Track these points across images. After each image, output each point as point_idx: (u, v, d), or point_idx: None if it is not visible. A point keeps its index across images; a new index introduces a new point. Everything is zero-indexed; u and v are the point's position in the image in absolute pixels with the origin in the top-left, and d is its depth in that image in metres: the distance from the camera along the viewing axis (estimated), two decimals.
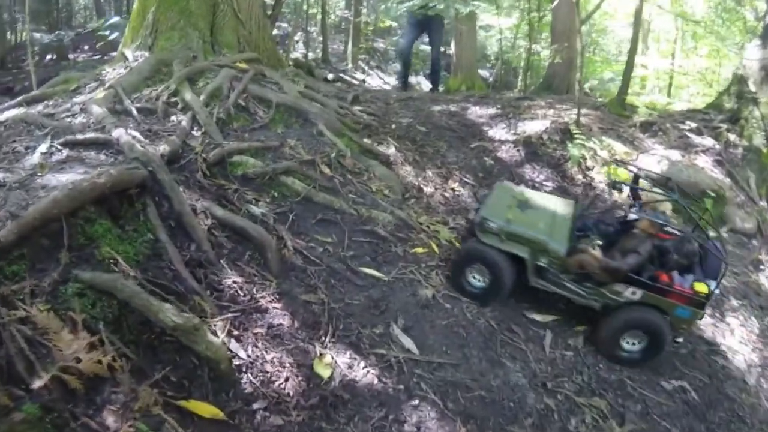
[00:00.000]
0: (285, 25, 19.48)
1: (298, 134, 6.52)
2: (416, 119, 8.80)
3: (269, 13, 9.80)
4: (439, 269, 5.54)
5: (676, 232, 5.20)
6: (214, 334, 3.96)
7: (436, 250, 5.84)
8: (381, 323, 4.67)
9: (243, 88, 6.68)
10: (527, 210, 5.42)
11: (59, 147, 5.06)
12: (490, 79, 16.35)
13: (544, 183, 7.91)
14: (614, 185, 5.66)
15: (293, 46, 17.51)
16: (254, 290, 4.48)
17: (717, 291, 5.09)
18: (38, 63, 13.27)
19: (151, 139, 5.43)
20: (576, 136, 8.28)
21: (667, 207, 6.74)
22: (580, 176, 8.21)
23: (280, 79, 7.47)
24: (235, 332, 4.10)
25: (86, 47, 17.54)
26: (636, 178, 5.85)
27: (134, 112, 5.99)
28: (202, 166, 5.39)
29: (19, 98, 7.14)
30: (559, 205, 5.66)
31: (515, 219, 5.18)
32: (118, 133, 5.05)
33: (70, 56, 15.47)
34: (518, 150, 8.38)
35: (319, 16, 18.12)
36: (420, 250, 5.74)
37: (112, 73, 7.15)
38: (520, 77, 16.29)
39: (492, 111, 9.45)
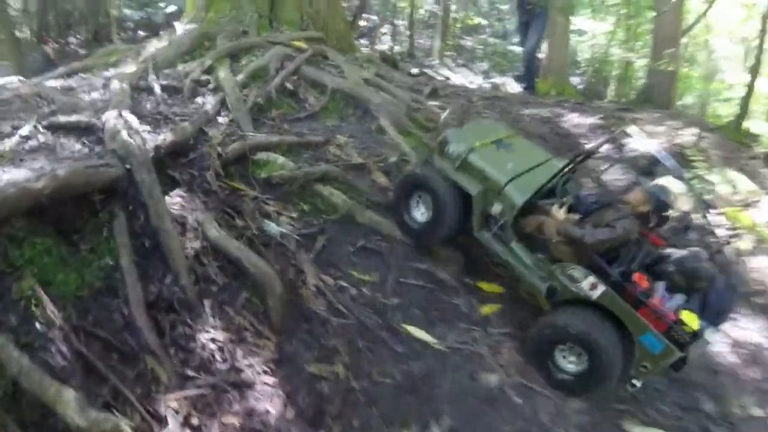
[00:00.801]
0: (374, 17, 18.66)
1: (353, 129, 5.13)
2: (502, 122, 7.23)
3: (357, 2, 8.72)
4: (514, 342, 3.88)
5: (689, 243, 3.98)
6: (161, 421, 2.65)
7: (516, 300, 4.18)
8: (417, 420, 3.10)
9: (294, 69, 5.40)
10: (502, 149, 4.25)
11: (42, 130, 3.95)
12: (580, 86, 15.06)
13: None
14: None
15: (379, 39, 16.78)
16: (240, 353, 3.10)
17: (710, 340, 3.54)
18: (130, 38, 12.83)
19: (157, 125, 4.21)
20: (695, 163, 6.63)
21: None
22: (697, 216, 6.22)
23: (343, 64, 6.14)
24: (194, 420, 2.74)
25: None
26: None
27: (157, 90, 4.89)
28: (215, 163, 4.09)
29: (62, 68, 6.41)
30: (546, 162, 4.35)
31: (481, 151, 4.07)
32: (107, 117, 3.84)
33: (161, 33, 14.97)
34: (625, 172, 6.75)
35: (407, 10, 17.34)
36: (491, 309, 4.07)
37: (154, 46, 6.17)
38: (610, 87, 15.27)
39: (591, 120, 7.87)
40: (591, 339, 3.45)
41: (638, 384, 3.52)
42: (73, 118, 3.95)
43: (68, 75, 5.98)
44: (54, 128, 3.93)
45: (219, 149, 4.19)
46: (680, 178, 3.93)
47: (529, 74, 10.32)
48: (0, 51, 12.06)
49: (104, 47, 8.63)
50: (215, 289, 3.33)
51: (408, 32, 16.65)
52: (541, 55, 12.33)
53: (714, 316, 3.49)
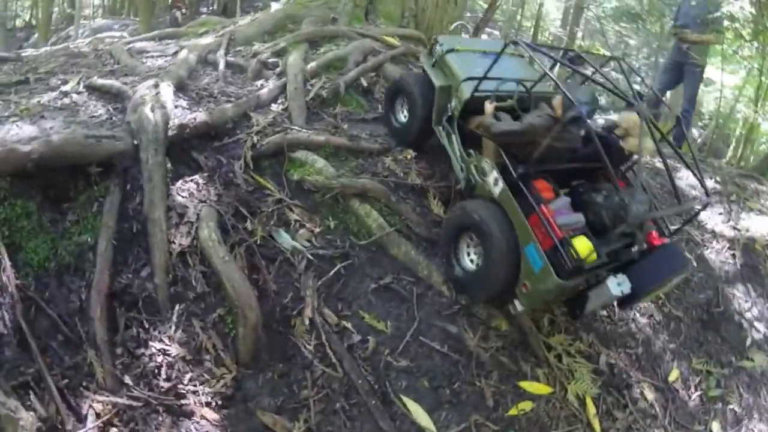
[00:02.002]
0: (496, 32, 19.16)
1: None
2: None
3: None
4: None
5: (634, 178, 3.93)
6: (79, 419, 2.69)
7: (560, 407, 3.66)
8: None
9: (375, 65, 5.28)
10: (486, 59, 4.33)
11: (81, 89, 4.23)
12: (699, 140, 15.07)
13: (755, 323, 5.50)
14: None
15: None
16: (189, 376, 2.99)
17: (614, 293, 3.45)
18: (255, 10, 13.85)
19: (198, 102, 4.30)
20: None
21: None
22: None
23: None
24: (113, 430, 2.71)
25: None
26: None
27: (221, 65, 5.05)
28: (247, 153, 4.08)
29: (155, 32, 6.95)
30: (526, 76, 4.54)
31: (461, 54, 4.57)
32: (141, 87, 4.00)
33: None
34: (733, 255, 6.12)
35: (531, 30, 18.39)
36: (523, 407, 3.56)
37: (240, 22, 6.40)
38: (732, 146, 14.70)
39: (710, 184, 7.31)
40: (488, 230, 3.64)
41: (519, 308, 3.65)
42: (108, 82, 4.16)
43: (160, 39, 6.45)
44: (91, 89, 4.20)
45: (256, 138, 4.17)
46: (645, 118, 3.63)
47: (680, 131, 9.69)
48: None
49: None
50: (190, 296, 3.25)
51: None
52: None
53: (639, 277, 3.49)
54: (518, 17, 18.65)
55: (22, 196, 3.14)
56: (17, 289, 2.91)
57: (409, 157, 4.58)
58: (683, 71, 8.75)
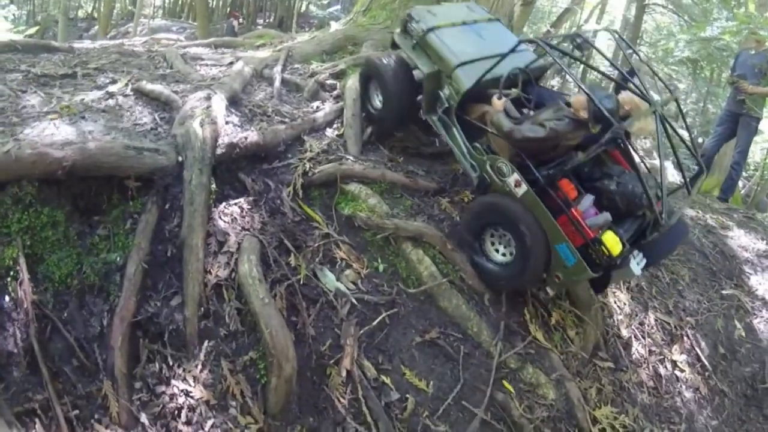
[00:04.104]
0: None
1: None
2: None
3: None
4: None
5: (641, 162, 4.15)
6: None
7: None
8: None
9: None
10: (470, 33, 4.40)
11: (129, 92, 3.95)
12: (742, 191, 14.15)
13: None
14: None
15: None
16: (211, 423, 2.64)
17: (636, 272, 3.63)
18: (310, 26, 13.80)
19: (250, 120, 3.99)
20: None
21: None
22: None
23: None
24: None
25: None
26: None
27: (277, 82, 4.76)
28: (297, 181, 3.75)
29: (211, 39, 6.76)
30: (515, 53, 4.16)
31: (443, 31, 4.24)
32: (192, 98, 3.70)
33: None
34: None
35: (581, 67, 17.57)
36: None
37: (299, 39, 6.16)
38: None
39: (760, 246, 6.85)
40: (522, 228, 3.60)
41: (551, 292, 3.87)
42: (157, 88, 3.86)
43: (216, 47, 6.22)
44: (138, 93, 3.91)
45: (308, 165, 3.85)
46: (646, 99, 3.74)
47: (730, 182, 9.35)
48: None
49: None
50: (222, 334, 2.91)
51: (577, 90, 17.14)
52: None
53: (651, 250, 3.70)
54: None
55: (49, 203, 2.85)
56: (33, 305, 2.63)
57: (466, 199, 4.21)
58: (738, 122, 8.48)
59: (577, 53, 4.10)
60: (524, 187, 3.60)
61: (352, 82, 4.69)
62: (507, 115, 3.89)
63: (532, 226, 3.57)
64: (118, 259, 2.90)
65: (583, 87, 3.54)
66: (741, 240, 6.85)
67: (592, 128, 3.73)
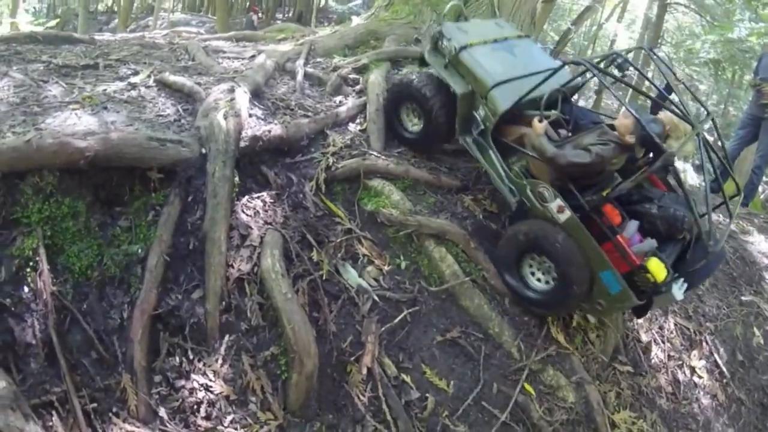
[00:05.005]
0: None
1: None
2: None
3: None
4: None
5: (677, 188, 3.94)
6: None
7: None
8: None
9: None
10: (502, 51, 4.24)
11: (152, 83, 3.91)
12: (762, 196, 13.83)
13: None
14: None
15: None
16: (231, 418, 2.61)
17: (677, 297, 3.55)
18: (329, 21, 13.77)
19: (273, 113, 3.94)
20: None
21: None
22: None
23: None
24: None
25: None
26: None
27: (300, 76, 4.70)
28: (320, 175, 3.70)
29: (232, 33, 6.73)
30: (546, 68, 4.06)
31: (476, 49, 4.06)
32: (215, 90, 3.66)
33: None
34: None
35: (601, 64, 17.88)
36: None
37: (320, 33, 6.13)
38: None
39: None
40: (565, 256, 3.50)
41: (592, 319, 3.86)
42: (180, 79, 3.81)
43: (237, 40, 6.18)
44: (161, 85, 3.87)
45: (331, 160, 3.80)
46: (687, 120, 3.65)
47: (751, 187, 9.20)
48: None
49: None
50: (243, 328, 2.86)
51: (596, 89, 16.14)
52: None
53: (693, 275, 3.60)
54: (589, 52, 18.34)
55: (70, 194, 2.81)
56: (53, 296, 2.59)
57: (490, 197, 4.14)
58: (760, 126, 8.31)
59: (617, 73, 3.96)
60: (568, 213, 3.50)
61: (375, 77, 4.63)
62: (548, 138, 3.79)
63: (574, 253, 3.49)
64: (139, 251, 2.87)
65: (631, 111, 3.45)
66: (761, 246, 6.76)
67: (637, 153, 3.67)
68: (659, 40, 15.45)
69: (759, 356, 5.15)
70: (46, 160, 2.66)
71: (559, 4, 18.33)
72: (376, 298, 3.30)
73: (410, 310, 3.36)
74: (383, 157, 3.98)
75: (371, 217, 3.71)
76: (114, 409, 2.53)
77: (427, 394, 3.11)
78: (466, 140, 4.03)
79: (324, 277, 3.22)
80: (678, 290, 3.49)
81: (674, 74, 4.10)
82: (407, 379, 3.11)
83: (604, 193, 3.54)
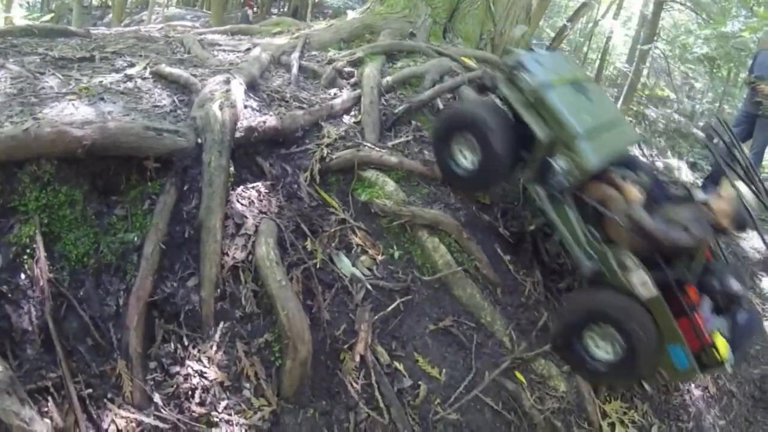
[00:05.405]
0: None
1: None
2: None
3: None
4: None
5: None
6: None
7: None
8: None
9: (453, 87, 4.90)
10: (580, 94, 3.84)
11: (147, 75, 3.94)
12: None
13: None
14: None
15: None
16: (225, 404, 2.64)
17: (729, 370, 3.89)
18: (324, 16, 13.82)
19: (269, 105, 3.98)
20: None
21: None
22: None
23: None
24: None
25: None
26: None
27: (295, 68, 4.73)
28: (314, 166, 3.74)
29: (227, 27, 6.73)
30: (618, 119, 4.11)
31: (559, 90, 3.67)
32: (211, 81, 3.70)
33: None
34: None
35: (597, 63, 18.49)
36: None
37: (315, 27, 6.16)
38: None
39: None
40: (634, 324, 3.33)
41: (648, 388, 3.80)
42: (176, 71, 3.84)
43: (232, 33, 6.21)
44: (157, 77, 3.90)
45: (326, 151, 3.84)
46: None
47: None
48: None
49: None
50: (237, 316, 2.89)
51: None
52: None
53: (738, 345, 3.55)
54: (585, 49, 18.46)
55: (67, 182, 2.83)
56: (49, 283, 2.61)
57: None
58: (755, 124, 8.35)
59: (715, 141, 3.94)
60: (652, 289, 3.32)
61: (369, 70, 4.66)
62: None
63: (649, 327, 3.33)
64: (135, 239, 2.90)
65: (743, 199, 3.44)
66: (753, 241, 6.81)
67: (728, 234, 3.72)
68: (655, 38, 15.54)
69: (750, 349, 5.19)
70: (44, 149, 2.68)
71: (555, 1, 18.39)
72: (369, 287, 3.32)
73: (403, 299, 3.38)
74: (377, 148, 4.00)
75: (365, 208, 3.73)
76: (109, 395, 2.54)
77: (420, 382, 3.13)
78: (536, 189, 3.69)
79: (318, 266, 3.24)
80: (730, 363, 3.45)
81: (741, 149, 4.00)
82: (400, 367, 3.14)
83: (688, 270, 3.52)
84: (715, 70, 16.16)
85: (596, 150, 3.49)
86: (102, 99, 3.34)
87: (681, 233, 3.34)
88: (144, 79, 3.86)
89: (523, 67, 3.62)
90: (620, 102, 15.81)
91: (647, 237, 3.33)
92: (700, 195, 3.85)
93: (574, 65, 4.50)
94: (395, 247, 3.63)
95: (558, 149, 3.53)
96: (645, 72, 17.96)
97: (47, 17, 11.94)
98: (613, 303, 3.42)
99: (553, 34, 15.39)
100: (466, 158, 3.82)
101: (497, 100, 3.96)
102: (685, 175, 11.15)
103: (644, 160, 4.26)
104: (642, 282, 3.34)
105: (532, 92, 3.55)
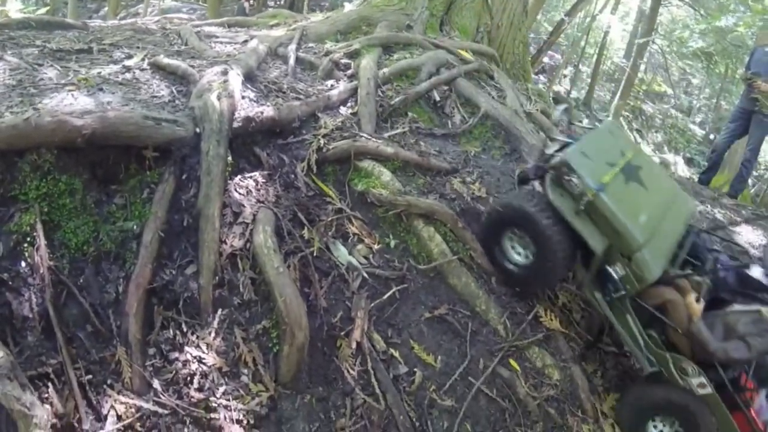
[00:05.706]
0: (558, 56, 19.32)
1: (490, 167, 4.47)
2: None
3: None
4: None
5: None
6: (99, 419, 2.46)
7: None
8: None
9: (449, 79, 4.95)
10: (633, 182, 3.60)
11: (145, 66, 3.97)
12: (752, 190, 14.02)
13: None
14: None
15: (559, 79, 17.62)
16: (223, 389, 2.68)
17: None
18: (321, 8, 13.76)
19: (266, 96, 4.00)
20: None
21: None
22: None
23: (508, 88, 5.60)
24: None
25: None
26: None
27: (291, 60, 4.75)
28: (311, 156, 3.78)
29: (224, 19, 6.76)
30: (673, 193, 3.92)
31: (611, 188, 3.37)
32: (209, 72, 3.73)
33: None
34: None
35: (594, 57, 18.64)
36: None
37: (312, 19, 6.17)
38: None
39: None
40: (696, 420, 3.41)
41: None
42: (174, 62, 3.86)
43: (229, 26, 6.23)
44: (155, 68, 3.92)
45: (322, 141, 3.87)
46: None
47: (740, 179, 9.24)
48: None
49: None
50: (235, 303, 2.93)
51: (590, 80, 17.38)
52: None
53: None
54: (582, 43, 18.47)
55: (67, 171, 2.86)
56: (50, 271, 2.64)
57: (478, 180, 4.23)
58: (751, 120, 8.37)
59: None
60: (709, 390, 3.33)
61: (366, 62, 4.69)
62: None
63: (709, 422, 3.38)
64: (134, 227, 2.93)
65: None
66: (748, 236, 6.78)
67: None
68: (653, 33, 15.57)
69: None
70: (44, 138, 2.72)
71: None
72: (365, 275, 3.37)
73: (399, 288, 3.43)
74: (373, 139, 4.04)
75: (361, 197, 3.77)
76: (109, 381, 2.58)
77: (415, 369, 3.18)
78: (595, 294, 3.58)
79: (315, 255, 3.29)
80: None
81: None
82: (396, 354, 3.19)
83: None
84: (712, 66, 16.19)
85: (656, 256, 3.36)
86: (101, 89, 3.37)
87: (741, 349, 3.29)
88: (142, 70, 3.88)
89: (572, 170, 3.34)
90: (617, 97, 15.90)
91: (707, 354, 3.30)
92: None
93: (620, 136, 4.05)
94: (391, 236, 3.68)
95: (616, 258, 3.39)
96: (642, 67, 18.11)
97: (43, 10, 11.91)
98: (675, 399, 3.48)
99: (550, 28, 15.44)
100: (518, 253, 3.69)
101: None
102: (681, 170, 11.23)
103: (705, 234, 4.02)
104: (699, 384, 3.37)
105: (583, 199, 3.30)
